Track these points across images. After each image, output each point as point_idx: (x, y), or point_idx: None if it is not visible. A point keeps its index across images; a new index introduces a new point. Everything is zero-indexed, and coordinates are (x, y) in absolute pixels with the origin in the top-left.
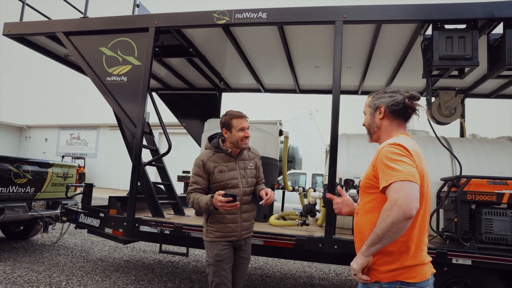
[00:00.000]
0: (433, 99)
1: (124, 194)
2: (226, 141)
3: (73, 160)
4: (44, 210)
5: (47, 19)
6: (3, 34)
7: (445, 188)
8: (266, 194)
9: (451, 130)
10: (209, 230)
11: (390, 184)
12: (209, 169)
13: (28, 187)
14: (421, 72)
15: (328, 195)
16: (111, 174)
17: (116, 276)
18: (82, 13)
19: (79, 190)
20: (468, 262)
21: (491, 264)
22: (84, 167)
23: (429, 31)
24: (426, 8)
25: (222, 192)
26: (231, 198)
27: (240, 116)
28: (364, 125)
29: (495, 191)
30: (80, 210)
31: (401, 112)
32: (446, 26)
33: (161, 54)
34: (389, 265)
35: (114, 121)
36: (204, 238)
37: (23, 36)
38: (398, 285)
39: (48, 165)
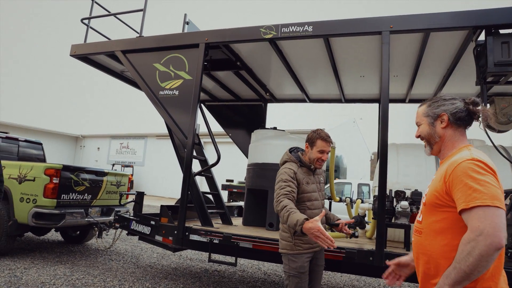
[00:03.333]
0: (488, 106)
1: (170, 201)
2: (305, 155)
3: (122, 168)
4: (99, 216)
5: (106, 39)
6: (70, 55)
7: (507, 201)
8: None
9: (509, 138)
10: (297, 243)
11: (471, 208)
12: (299, 179)
13: (86, 194)
14: (474, 79)
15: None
16: (158, 182)
17: (165, 284)
18: (138, 32)
19: (131, 198)
20: None
21: None
22: (132, 175)
23: (481, 37)
24: (478, 14)
25: (317, 220)
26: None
27: (326, 140)
28: (420, 136)
29: None
30: (132, 217)
31: (465, 119)
32: (501, 31)
33: (209, 68)
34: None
35: (161, 130)
36: (288, 251)
37: (87, 56)
38: None
39: (104, 173)
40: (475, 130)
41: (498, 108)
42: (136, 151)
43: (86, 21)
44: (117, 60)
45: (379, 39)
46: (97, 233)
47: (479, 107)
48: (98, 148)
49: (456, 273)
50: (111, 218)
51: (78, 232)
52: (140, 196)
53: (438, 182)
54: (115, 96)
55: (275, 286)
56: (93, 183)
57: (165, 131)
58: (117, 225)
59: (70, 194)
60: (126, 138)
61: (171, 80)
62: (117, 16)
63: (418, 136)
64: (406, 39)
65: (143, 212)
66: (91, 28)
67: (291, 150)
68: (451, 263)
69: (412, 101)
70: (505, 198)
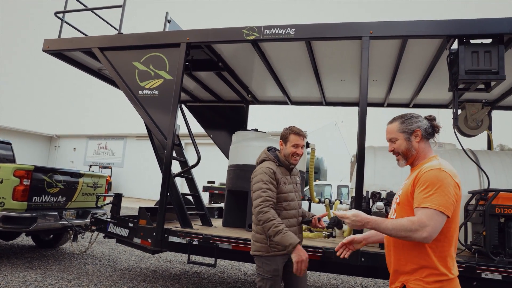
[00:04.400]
0: (459, 111)
1: (149, 203)
2: (281, 154)
3: (100, 169)
4: (74, 219)
5: (83, 36)
6: (43, 50)
7: (473, 201)
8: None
9: (478, 142)
10: (272, 244)
11: (423, 207)
12: (277, 179)
13: (60, 196)
14: (447, 85)
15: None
16: (137, 184)
17: (143, 286)
18: (116, 29)
19: (109, 199)
20: (498, 277)
21: None
22: (110, 177)
23: (454, 46)
24: (452, 24)
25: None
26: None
27: (299, 133)
28: (393, 150)
29: None
30: (109, 219)
31: (431, 133)
32: (472, 41)
33: (190, 68)
34: (435, 276)
35: (141, 131)
36: (263, 253)
37: (61, 52)
38: None
39: (79, 175)
40: (447, 134)
41: (468, 114)
42: (115, 152)
43: (60, 15)
44: (94, 58)
45: (360, 44)
46: (72, 236)
47: (437, 122)
48: (74, 148)
49: (384, 228)
50: (87, 220)
51: (52, 236)
52: (117, 197)
53: (409, 185)
54: (93, 95)
55: (255, 286)
56: (68, 185)
57: (145, 131)
58: (93, 227)
59: (43, 196)
60: (105, 138)
61: (151, 80)
62: (95, 11)
63: (392, 150)
64: (385, 45)
65: (121, 214)
66: (65, 22)
67: (269, 149)
68: (391, 221)
69: (390, 105)
70: (472, 198)
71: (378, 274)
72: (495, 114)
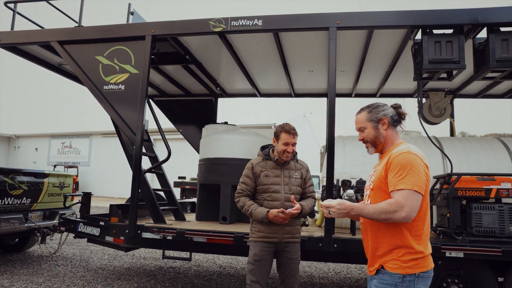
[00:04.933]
0: (424, 100)
1: (120, 202)
2: (275, 150)
3: (66, 169)
4: (41, 221)
5: (40, 28)
6: None
7: (437, 186)
8: (295, 206)
9: (441, 129)
10: (253, 230)
11: (399, 190)
12: (256, 172)
13: (24, 198)
14: (412, 75)
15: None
16: (106, 182)
17: (118, 284)
18: (76, 22)
19: (77, 199)
20: (461, 254)
21: (482, 255)
22: (77, 176)
23: (418, 36)
24: (415, 14)
25: (278, 210)
26: (296, 211)
27: (289, 132)
28: (363, 139)
29: (484, 187)
30: (79, 219)
31: (398, 120)
32: (435, 31)
33: (157, 62)
34: (411, 255)
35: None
36: (249, 239)
37: (16, 45)
38: (417, 274)
39: (44, 175)
40: (413, 122)
41: (432, 102)
42: (81, 150)
43: (11, 5)
44: (53, 52)
45: (327, 35)
46: (39, 238)
47: (403, 110)
48: (36, 148)
49: (366, 213)
50: (55, 221)
51: (17, 240)
52: (86, 197)
53: (382, 170)
54: (54, 91)
55: (230, 278)
56: (32, 186)
57: (112, 128)
58: (62, 228)
59: (5, 199)
60: (69, 137)
61: (116, 74)
62: (50, 1)
63: (361, 139)
64: (352, 35)
65: (90, 214)
66: (18, 13)
67: (264, 147)
68: (372, 206)
69: (358, 95)
70: (436, 182)
71: (350, 259)
72: (457, 102)
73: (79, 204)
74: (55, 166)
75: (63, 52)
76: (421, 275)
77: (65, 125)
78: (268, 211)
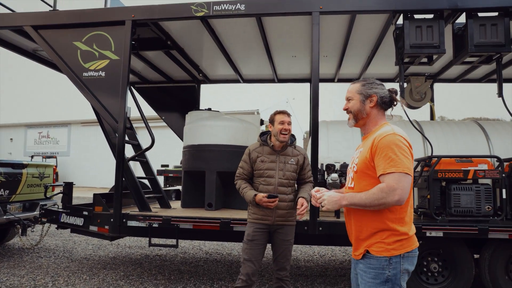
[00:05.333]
0: (405, 85)
1: (102, 191)
2: (272, 136)
3: (44, 159)
4: (20, 212)
5: (11, 11)
6: None
7: (418, 168)
8: (302, 205)
9: (422, 113)
10: (249, 212)
11: (389, 173)
12: (253, 158)
13: (2, 189)
14: (394, 60)
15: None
16: (87, 172)
17: (104, 274)
18: (50, 6)
19: (58, 189)
20: (440, 234)
21: (459, 234)
22: (56, 166)
23: (400, 21)
24: None
25: (264, 194)
26: (274, 199)
27: (282, 112)
28: (348, 109)
29: (462, 169)
30: (61, 210)
31: (388, 104)
32: (416, 16)
33: (137, 48)
34: (396, 237)
35: (86, 117)
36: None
37: None
38: (402, 255)
39: (22, 165)
40: (394, 107)
41: (413, 87)
42: (59, 140)
43: None
44: (27, 37)
45: (310, 20)
46: (20, 230)
47: (398, 96)
48: (11, 139)
49: (358, 201)
50: (36, 213)
51: None
52: (68, 187)
53: (366, 153)
54: (29, 79)
55: (217, 264)
56: (10, 177)
57: (91, 117)
58: (44, 219)
59: None
60: (46, 126)
61: (96, 61)
62: None
63: (346, 109)
64: (335, 20)
65: (76, 204)
66: None
67: (263, 133)
68: (363, 194)
69: (340, 80)
70: (417, 165)
71: (335, 242)
72: (436, 87)
73: (61, 195)
74: (32, 156)
75: (38, 38)
76: (406, 255)
77: (42, 114)
78: (255, 195)
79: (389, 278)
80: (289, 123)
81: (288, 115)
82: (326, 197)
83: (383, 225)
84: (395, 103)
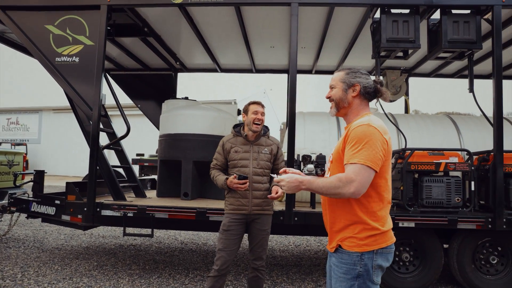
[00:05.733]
0: (381, 77)
1: (74, 180)
2: (245, 126)
3: (13, 147)
4: None
5: None
6: None
7: (392, 160)
8: (277, 192)
9: (396, 107)
10: (226, 203)
11: (351, 163)
12: (226, 148)
13: None
14: (370, 53)
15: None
16: (58, 160)
17: (76, 264)
18: None
19: (28, 178)
20: (412, 224)
21: (430, 224)
22: (26, 154)
23: (377, 15)
24: None
25: (234, 175)
26: (245, 181)
27: (257, 102)
28: (330, 98)
29: (434, 161)
30: (32, 198)
31: (371, 94)
32: (392, 11)
33: (113, 34)
34: (368, 231)
35: (58, 103)
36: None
37: None
38: (375, 251)
39: None
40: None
41: (389, 80)
42: (29, 127)
43: None
44: None
45: (289, 11)
46: None
47: (383, 88)
48: None
49: (316, 187)
50: (5, 202)
51: None
52: (39, 175)
53: (341, 143)
54: None
55: (192, 254)
56: None
57: (63, 104)
58: (13, 208)
59: None
60: (15, 112)
61: (69, 46)
62: None
63: (328, 97)
64: (314, 12)
65: (48, 193)
66: None
67: (237, 125)
68: (321, 180)
69: (318, 72)
70: (392, 157)
71: (310, 232)
72: (411, 81)
73: (31, 183)
74: (0, 143)
75: (6, 19)
76: (380, 251)
77: (11, 100)
78: (226, 178)
79: (361, 274)
80: (263, 114)
81: (262, 106)
82: (285, 182)
83: (355, 217)
84: (379, 94)
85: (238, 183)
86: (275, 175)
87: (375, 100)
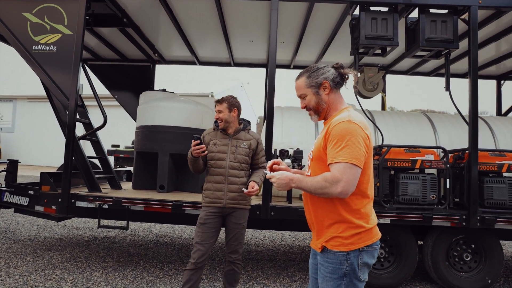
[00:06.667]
0: (358, 75)
1: (49, 170)
2: None
3: None
4: None
5: None
6: None
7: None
8: (253, 188)
9: (373, 103)
10: (203, 197)
11: (336, 163)
12: (205, 141)
13: None
14: (349, 49)
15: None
16: (32, 150)
17: (49, 255)
18: None
19: (1, 167)
20: (388, 221)
21: (406, 221)
22: None
23: (357, 12)
24: None
25: (194, 142)
26: (198, 142)
27: (217, 101)
28: (306, 107)
29: (410, 158)
30: (4, 188)
31: (340, 82)
32: (372, 8)
33: (92, 23)
34: (352, 230)
35: (33, 92)
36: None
37: None
38: (361, 249)
39: None
40: (348, 96)
41: (366, 77)
42: (3, 115)
43: None
44: None
45: (269, 5)
46: None
47: (346, 69)
48: None
49: (305, 185)
50: None
51: None
52: (13, 164)
53: (322, 140)
54: None
55: (167, 247)
56: None
57: (39, 92)
58: None
59: None
60: None
61: (47, 34)
62: None
63: (304, 107)
64: (293, 7)
65: (21, 183)
66: None
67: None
68: (309, 179)
69: (296, 67)
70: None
71: (286, 227)
72: (388, 78)
73: (4, 173)
74: None
75: None
76: (365, 249)
77: None
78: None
79: (347, 273)
80: (220, 112)
81: (221, 102)
82: (275, 179)
83: (338, 216)
84: (346, 76)
85: (193, 145)
86: (267, 171)
87: (353, 96)
